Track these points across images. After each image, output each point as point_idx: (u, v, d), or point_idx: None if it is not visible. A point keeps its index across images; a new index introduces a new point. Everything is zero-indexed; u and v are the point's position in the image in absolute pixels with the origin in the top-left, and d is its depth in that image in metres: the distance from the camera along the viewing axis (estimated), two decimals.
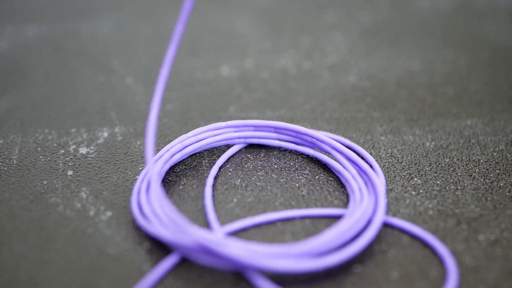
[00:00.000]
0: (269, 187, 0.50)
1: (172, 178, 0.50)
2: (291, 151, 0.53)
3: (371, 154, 0.53)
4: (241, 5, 0.82)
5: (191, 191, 0.49)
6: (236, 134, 0.53)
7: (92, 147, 0.54)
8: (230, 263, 0.42)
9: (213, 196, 0.49)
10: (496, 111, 0.59)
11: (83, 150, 0.53)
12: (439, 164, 0.52)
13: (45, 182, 0.50)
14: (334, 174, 0.51)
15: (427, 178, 0.51)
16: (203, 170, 0.51)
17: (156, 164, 0.48)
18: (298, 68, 0.67)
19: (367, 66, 0.67)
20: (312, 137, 0.52)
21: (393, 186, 0.50)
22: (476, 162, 0.52)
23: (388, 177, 0.51)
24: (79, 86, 0.63)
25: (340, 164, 0.50)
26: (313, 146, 0.52)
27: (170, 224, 0.43)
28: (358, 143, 0.54)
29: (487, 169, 0.52)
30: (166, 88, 0.63)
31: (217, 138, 0.52)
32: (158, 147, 0.54)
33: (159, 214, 0.44)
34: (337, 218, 0.47)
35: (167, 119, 0.58)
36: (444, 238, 0.45)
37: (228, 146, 0.54)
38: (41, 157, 0.53)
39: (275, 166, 0.52)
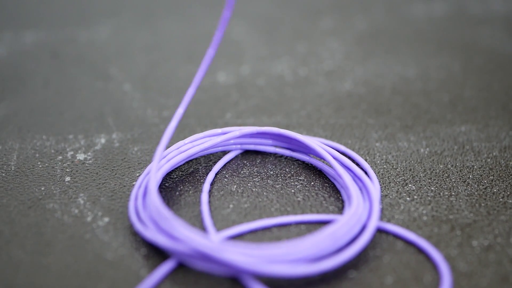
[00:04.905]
0: (265, 193, 0.50)
1: (169, 184, 0.51)
2: (286, 158, 0.54)
3: (366, 160, 0.54)
4: (237, 11, 0.82)
5: (187, 197, 0.50)
6: (233, 141, 0.53)
7: (89, 153, 0.54)
8: (227, 268, 0.42)
9: (210, 202, 0.49)
10: (490, 118, 0.59)
11: (80, 156, 0.54)
12: (434, 170, 0.53)
13: (43, 188, 0.50)
14: (330, 180, 0.51)
15: (421, 184, 0.51)
16: (200, 176, 0.52)
17: (153, 171, 0.49)
18: (294, 74, 0.67)
19: (362, 72, 0.67)
20: (306, 145, 0.52)
21: (388, 192, 0.50)
22: (470, 168, 0.53)
23: (383, 183, 0.51)
24: (77, 92, 0.64)
25: (335, 170, 0.51)
26: (308, 152, 0.53)
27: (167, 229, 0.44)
28: (353, 150, 0.55)
29: (481, 175, 0.52)
30: (163, 95, 0.63)
31: (213, 144, 0.52)
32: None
33: (156, 220, 0.45)
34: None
35: (164, 126, 0.58)
36: (438, 243, 0.46)
37: (225, 153, 0.54)
38: (39, 163, 0.53)
39: (271, 172, 0.52)
